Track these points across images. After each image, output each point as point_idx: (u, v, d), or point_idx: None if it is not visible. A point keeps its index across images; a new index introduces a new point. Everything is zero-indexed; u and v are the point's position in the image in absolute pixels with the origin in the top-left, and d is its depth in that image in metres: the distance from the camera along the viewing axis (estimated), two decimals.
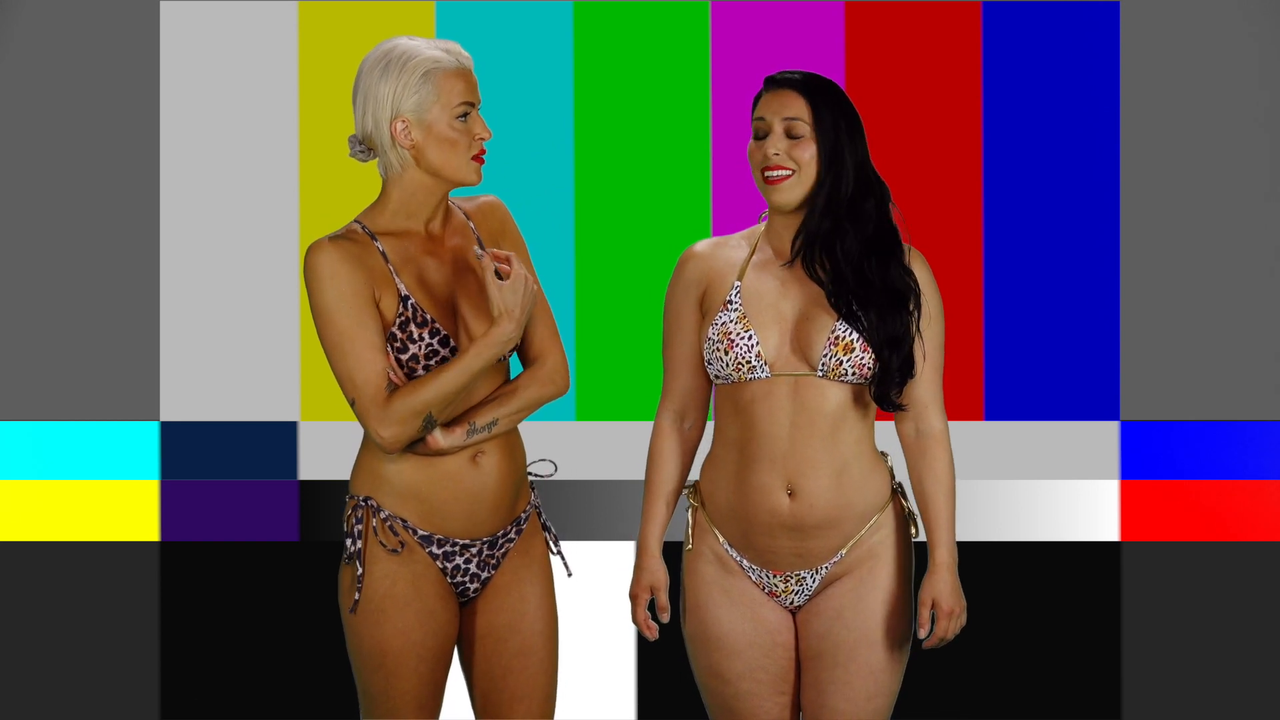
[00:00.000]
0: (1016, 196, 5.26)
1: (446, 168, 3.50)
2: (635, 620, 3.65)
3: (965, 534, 5.19)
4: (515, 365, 3.65)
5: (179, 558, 5.28)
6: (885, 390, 3.47)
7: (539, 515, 3.67)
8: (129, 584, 5.27)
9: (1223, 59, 5.21)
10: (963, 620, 3.55)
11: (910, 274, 3.49)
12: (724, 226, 5.26)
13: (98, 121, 5.25)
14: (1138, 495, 5.25)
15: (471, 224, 3.59)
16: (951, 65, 5.26)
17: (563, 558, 3.71)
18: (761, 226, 3.59)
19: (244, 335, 5.28)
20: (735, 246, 3.59)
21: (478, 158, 3.52)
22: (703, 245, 3.61)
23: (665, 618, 3.63)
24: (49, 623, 5.26)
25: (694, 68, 5.29)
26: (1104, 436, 5.25)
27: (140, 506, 5.27)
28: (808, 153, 3.47)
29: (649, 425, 5.21)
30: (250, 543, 5.28)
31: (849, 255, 3.46)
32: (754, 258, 3.55)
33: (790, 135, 3.47)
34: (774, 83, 3.50)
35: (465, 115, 3.49)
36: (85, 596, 5.26)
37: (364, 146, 3.54)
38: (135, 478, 5.27)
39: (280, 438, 5.27)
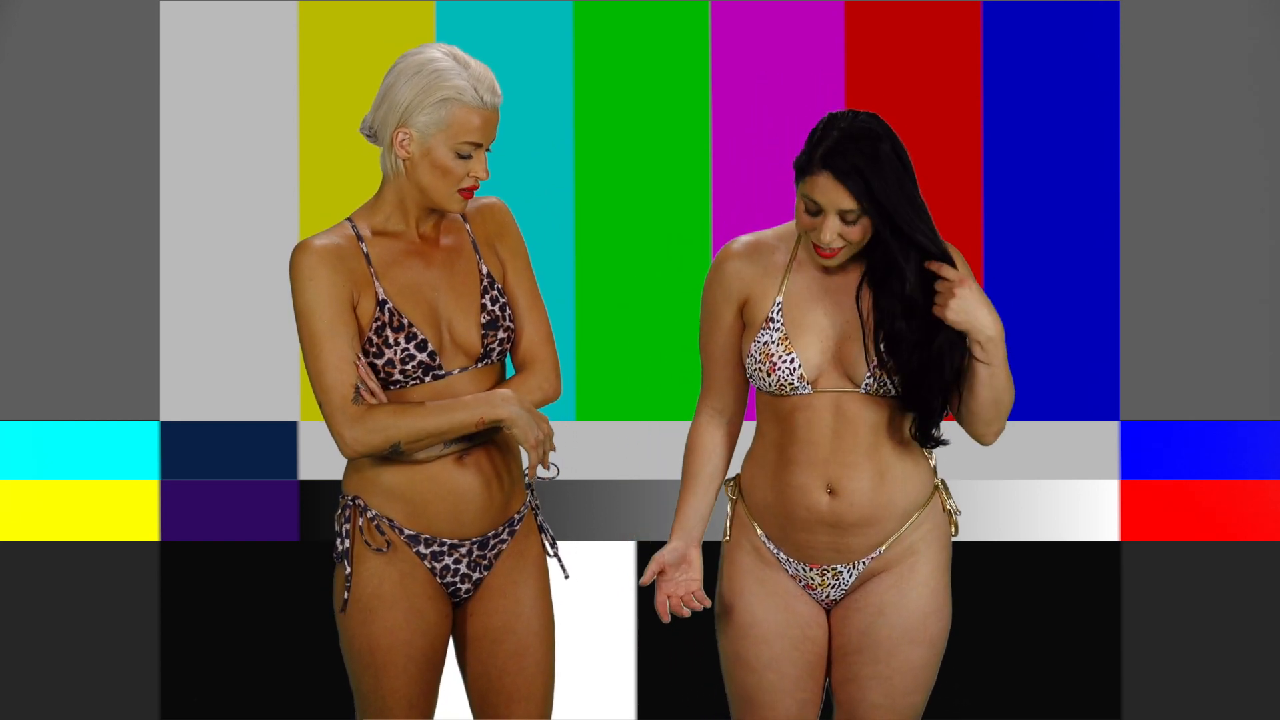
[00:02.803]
0: (1016, 196, 5.26)
1: (430, 191, 3.49)
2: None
3: (965, 534, 5.19)
4: (509, 369, 3.65)
5: (179, 558, 5.28)
6: (926, 429, 3.45)
7: (535, 516, 3.67)
8: (129, 584, 5.27)
9: (1223, 59, 5.20)
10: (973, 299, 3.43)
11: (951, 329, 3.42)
12: (724, 226, 5.26)
13: (98, 121, 5.25)
14: (1138, 495, 5.25)
15: (468, 226, 3.59)
16: (951, 65, 5.26)
17: (559, 560, 3.70)
18: (795, 228, 3.54)
19: (244, 335, 5.28)
20: (774, 249, 3.53)
21: (466, 191, 3.50)
22: (742, 246, 3.55)
23: (667, 618, 3.61)
24: (49, 623, 5.26)
25: (694, 68, 5.29)
26: (1104, 436, 5.25)
27: (140, 506, 5.27)
28: (859, 230, 3.40)
29: (649, 425, 5.22)
30: (250, 543, 5.28)
31: (903, 300, 3.42)
32: (794, 266, 3.52)
33: (845, 220, 3.42)
34: (825, 167, 3.38)
35: (468, 154, 3.48)
36: (85, 596, 5.26)
37: (372, 134, 3.55)
38: (135, 478, 5.27)
39: (280, 438, 5.27)
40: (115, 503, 5.27)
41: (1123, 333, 5.25)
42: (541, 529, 3.67)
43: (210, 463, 5.28)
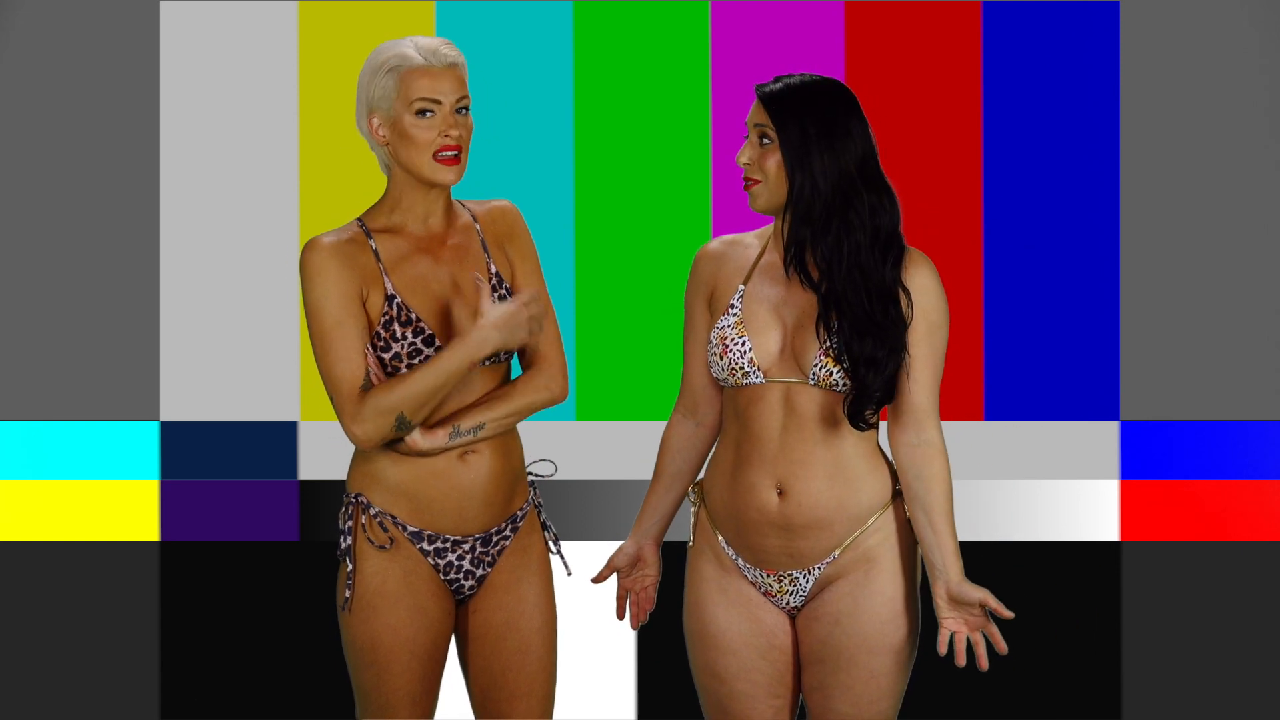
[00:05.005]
0: (1016, 196, 5.26)
1: (411, 165, 3.50)
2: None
3: (965, 534, 5.19)
4: (517, 369, 3.65)
5: (179, 558, 5.28)
6: (858, 410, 3.41)
7: (539, 513, 3.67)
8: (129, 584, 5.27)
9: (1223, 59, 5.21)
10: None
11: (896, 292, 3.43)
12: (724, 226, 5.26)
13: (98, 121, 5.25)
14: (1138, 495, 5.25)
15: (477, 226, 3.60)
16: (951, 65, 5.26)
17: (562, 557, 3.72)
18: (774, 227, 3.57)
19: (244, 335, 5.28)
20: (748, 246, 3.57)
21: (445, 159, 3.50)
22: (715, 244, 3.60)
23: (621, 617, 3.75)
24: (49, 623, 5.26)
25: (694, 68, 5.29)
26: (1104, 436, 5.25)
27: (140, 506, 5.27)
28: (772, 160, 3.45)
29: (649, 425, 5.22)
30: (250, 543, 5.28)
31: (829, 263, 3.43)
32: (761, 260, 3.54)
33: (761, 142, 3.47)
34: (756, 90, 3.50)
35: (425, 113, 3.49)
36: (85, 596, 5.26)
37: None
38: (135, 478, 5.27)
39: (280, 438, 5.27)
40: (115, 503, 5.27)
41: (1123, 333, 5.25)
42: (544, 526, 3.68)
43: (210, 463, 5.28)
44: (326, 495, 5.25)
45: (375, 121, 3.50)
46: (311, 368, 5.24)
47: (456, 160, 3.50)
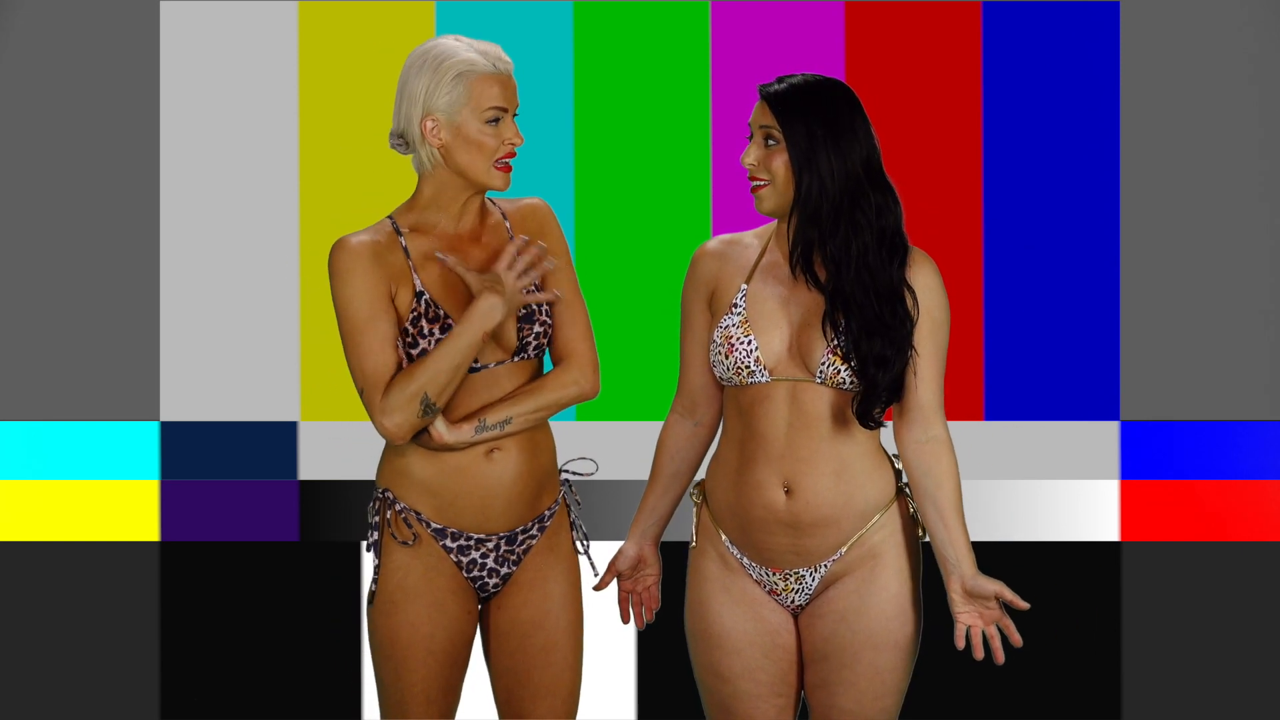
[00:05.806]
0: (1016, 196, 5.27)
1: (470, 170, 3.52)
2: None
3: None
4: (548, 366, 3.65)
5: (179, 558, 5.28)
6: (868, 408, 3.43)
7: (569, 512, 3.67)
8: (129, 584, 5.27)
9: (1223, 59, 5.21)
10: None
11: (902, 291, 3.45)
12: (724, 226, 5.26)
13: (98, 121, 5.25)
14: (1138, 495, 5.25)
15: (507, 224, 3.61)
16: (951, 65, 5.26)
17: (590, 559, 3.70)
18: (774, 226, 3.57)
19: (244, 335, 5.28)
20: (747, 246, 3.58)
21: (503, 164, 3.52)
22: (714, 244, 3.60)
23: (626, 620, 3.72)
24: (49, 623, 5.26)
25: (694, 68, 5.29)
26: (1104, 436, 5.25)
27: (140, 506, 5.27)
28: (779, 161, 3.46)
29: (649, 425, 5.22)
30: (250, 543, 5.28)
31: (836, 263, 3.44)
32: (763, 260, 3.54)
33: (767, 144, 3.48)
34: (760, 91, 3.51)
35: (495, 120, 3.51)
36: (85, 596, 5.26)
37: (401, 140, 3.57)
38: (135, 478, 5.27)
39: (280, 438, 5.27)
40: (115, 503, 5.27)
41: (1123, 333, 5.25)
42: (573, 525, 3.67)
43: (210, 463, 5.28)
44: (326, 495, 5.25)
45: (430, 124, 3.51)
46: (312, 368, 5.25)
47: (511, 167, 3.53)
